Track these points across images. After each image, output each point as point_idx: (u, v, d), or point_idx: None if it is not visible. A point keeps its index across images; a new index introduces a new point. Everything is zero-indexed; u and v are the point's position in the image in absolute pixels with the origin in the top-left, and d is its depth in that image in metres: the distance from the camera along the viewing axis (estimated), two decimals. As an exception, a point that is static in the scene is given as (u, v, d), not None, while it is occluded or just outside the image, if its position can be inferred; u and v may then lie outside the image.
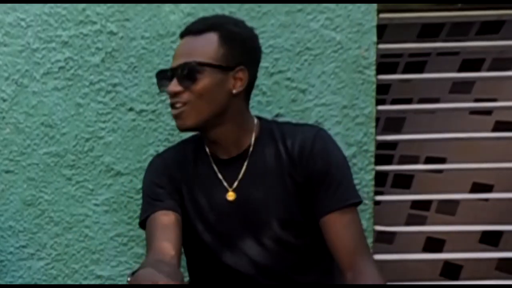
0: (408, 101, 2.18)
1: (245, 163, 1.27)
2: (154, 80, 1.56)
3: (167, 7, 1.58)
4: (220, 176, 1.28)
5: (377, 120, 1.58)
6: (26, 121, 1.63)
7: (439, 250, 2.02)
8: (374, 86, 1.57)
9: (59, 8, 1.60)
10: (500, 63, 1.99)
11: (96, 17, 1.60)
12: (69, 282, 1.64)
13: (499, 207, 1.95)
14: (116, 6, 1.59)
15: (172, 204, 1.27)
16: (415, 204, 2.09)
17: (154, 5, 1.58)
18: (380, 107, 1.61)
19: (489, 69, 2.04)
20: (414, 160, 2.06)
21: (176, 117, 1.23)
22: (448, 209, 2.09)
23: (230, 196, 1.26)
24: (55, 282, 1.64)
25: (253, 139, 1.28)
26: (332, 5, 1.56)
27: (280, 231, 1.24)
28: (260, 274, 1.24)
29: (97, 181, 1.63)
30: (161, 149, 1.59)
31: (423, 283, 1.68)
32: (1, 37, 1.62)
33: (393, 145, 2.06)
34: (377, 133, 1.58)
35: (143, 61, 1.60)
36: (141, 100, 1.61)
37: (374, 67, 1.56)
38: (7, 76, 1.62)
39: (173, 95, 1.21)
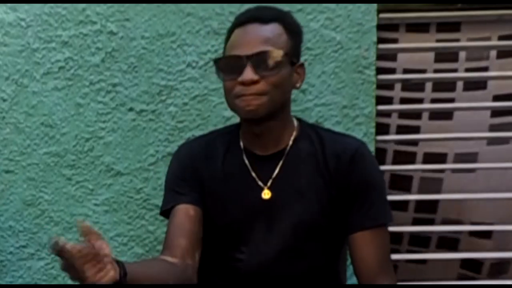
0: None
1: (281, 162, 1.23)
2: (154, 80, 1.60)
3: (167, 7, 1.59)
4: (253, 174, 1.23)
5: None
6: (26, 121, 1.63)
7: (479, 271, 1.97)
8: (374, 86, 1.58)
9: (59, 8, 1.61)
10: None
11: (96, 17, 1.61)
12: (69, 282, 1.59)
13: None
14: (116, 6, 1.60)
15: (194, 198, 1.25)
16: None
17: (154, 5, 1.59)
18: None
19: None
20: (457, 222, 1.96)
21: (249, 106, 1.15)
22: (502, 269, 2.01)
23: (266, 194, 1.22)
24: (55, 282, 1.65)
25: (292, 138, 1.25)
26: (332, 5, 1.57)
27: (305, 238, 1.22)
28: (269, 274, 1.23)
29: (97, 181, 1.63)
30: (161, 149, 1.61)
31: (425, 283, 1.68)
32: (1, 37, 1.63)
33: (433, 207, 1.99)
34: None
35: (143, 61, 1.61)
36: (141, 100, 1.61)
37: (374, 67, 1.57)
38: (7, 76, 1.63)
39: (249, 84, 1.14)
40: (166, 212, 1.28)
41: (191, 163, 1.28)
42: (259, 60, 1.13)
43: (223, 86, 1.21)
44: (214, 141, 1.30)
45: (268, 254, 1.22)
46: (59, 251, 0.84)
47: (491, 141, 1.81)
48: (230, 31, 1.21)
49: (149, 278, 1.07)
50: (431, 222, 1.88)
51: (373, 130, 1.58)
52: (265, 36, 1.15)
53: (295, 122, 1.28)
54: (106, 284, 0.89)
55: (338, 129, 1.56)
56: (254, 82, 1.14)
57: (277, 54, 1.14)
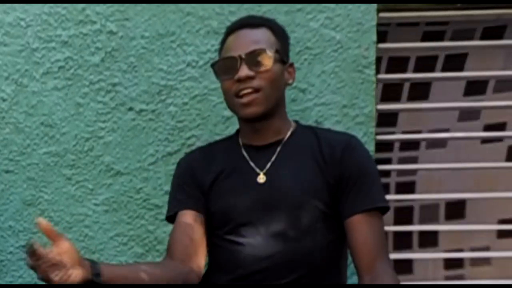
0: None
1: (278, 149, 1.31)
2: (154, 79, 1.61)
3: (167, 6, 1.60)
4: (251, 163, 1.31)
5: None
6: (26, 121, 1.64)
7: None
8: (374, 86, 1.59)
9: (59, 7, 1.62)
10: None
11: (96, 17, 1.62)
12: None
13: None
14: (116, 6, 1.61)
15: (195, 203, 1.33)
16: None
17: (154, 5, 1.60)
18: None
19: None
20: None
21: (247, 104, 1.25)
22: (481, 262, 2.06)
23: (261, 178, 1.29)
24: None
25: (289, 132, 1.34)
26: (332, 5, 1.58)
27: (303, 219, 1.26)
28: (270, 257, 1.25)
29: (97, 181, 1.64)
30: (161, 149, 1.62)
31: (425, 283, 1.69)
32: (1, 36, 1.64)
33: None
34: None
35: (142, 61, 1.62)
36: (141, 99, 1.62)
37: (373, 67, 1.58)
38: (7, 76, 1.64)
39: (244, 80, 1.23)
40: (169, 218, 1.38)
41: (190, 170, 1.37)
42: (252, 58, 1.24)
43: (222, 88, 1.31)
44: (214, 147, 1.41)
45: (267, 237, 1.25)
46: (31, 253, 0.97)
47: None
48: (223, 40, 1.34)
49: (134, 277, 1.15)
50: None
51: (373, 129, 1.59)
52: (256, 38, 1.27)
53: (292, 122, 1.38)
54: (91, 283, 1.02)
55: (338, 128, 1.57)
56: (250, 78, 1.24)
57: (269, 52, 1.25)
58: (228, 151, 1.37)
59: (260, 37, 1.27)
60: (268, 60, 1.24)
